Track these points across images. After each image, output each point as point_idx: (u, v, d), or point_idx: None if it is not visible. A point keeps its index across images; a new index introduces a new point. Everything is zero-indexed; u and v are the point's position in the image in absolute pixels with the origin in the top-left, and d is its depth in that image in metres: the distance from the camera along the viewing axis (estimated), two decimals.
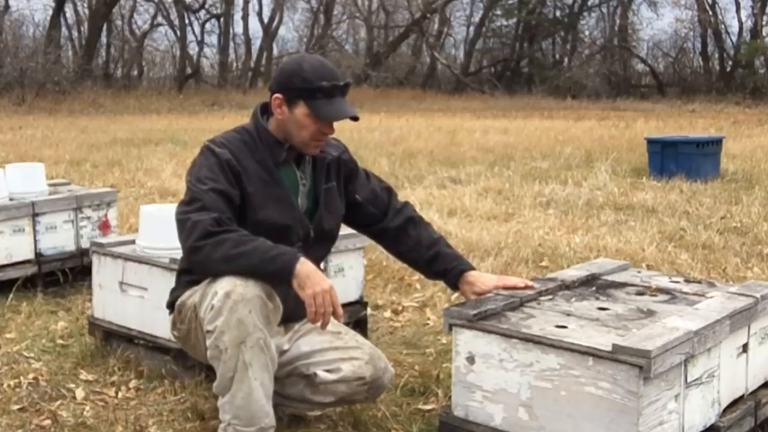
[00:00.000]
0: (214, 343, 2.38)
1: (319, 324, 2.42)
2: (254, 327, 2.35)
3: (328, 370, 2.62)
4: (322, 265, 3.01)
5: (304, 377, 2.66)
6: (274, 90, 2.59)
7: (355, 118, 2.60)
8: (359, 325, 3.66)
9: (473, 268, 2.80)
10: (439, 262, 2.78)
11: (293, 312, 2.56)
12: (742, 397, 2.57)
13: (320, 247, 2.74)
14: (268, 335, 2.40)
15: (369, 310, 3.93)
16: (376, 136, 13.97)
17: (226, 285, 2.36)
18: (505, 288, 2.66)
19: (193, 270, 2.56)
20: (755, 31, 32.32)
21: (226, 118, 18.43)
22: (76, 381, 3.25)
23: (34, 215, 4.57)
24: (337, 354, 2.65)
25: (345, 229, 3.01)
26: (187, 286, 2.61)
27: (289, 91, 2.55)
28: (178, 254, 2.66)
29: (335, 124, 2.61)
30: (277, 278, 2.39)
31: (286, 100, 2.56)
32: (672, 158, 9.08)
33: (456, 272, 2.76)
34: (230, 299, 2.34)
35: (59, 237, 4.67)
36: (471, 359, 2.44)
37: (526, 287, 2.67)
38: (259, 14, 36.74)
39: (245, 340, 2.35)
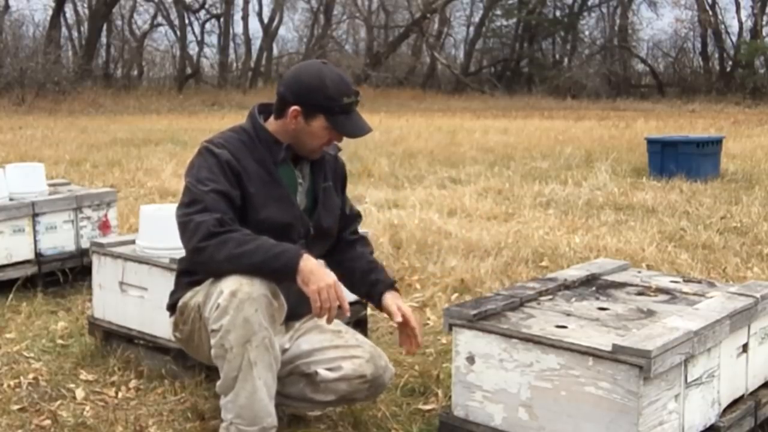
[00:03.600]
0: (220, 341, 2.38)
1: (325, 319, 2.43)
2: (260, 326, 2.36)
3: (328, 369, 2.62)
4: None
5: (304, 376, 2.66)
6: (290, 101, 2.58)
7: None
8: (359, 325, 3.66)
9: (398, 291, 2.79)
10: (376, 273, 2.76)
11: (294, 310, 2.56)
12: (742, 397, 2.57)
13: (320, 245, 2.75)
14: (272, 334, 2.40)
15: (369, 310, 3.93)
16: (376, 136, 13.93)
17: (231, 284, 2.37)
18: (405, 319, 2.64)
19: (197, 271, 2.57)
20: (755, 31, 32.34)
21: (226, 118, 18.42)
22: (76, 381, 3.25)
23: (34, 215, 4.57)
24: (337, 352, 2.65)
25: None
26: (187, 288, 2.61)
27: (308, 105, 2.56)
28: (178, 254, 2.67)
29: None
30: (280, 275, 2.39)
31: (304, 113, 2.57)
32: (672, 158, 9.08)
33: (389, 283, 2.74)
34: (236, 298, 2.35)
35: (59, 237, 4.67)
36: (471, 359, 2.44)
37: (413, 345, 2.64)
38: (259, 14, 36.80)
39: (251, 339, 2.36)
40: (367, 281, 2.75)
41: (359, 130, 2.61)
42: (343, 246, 2.84)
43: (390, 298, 2.68)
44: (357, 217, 2.96)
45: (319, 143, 2.62)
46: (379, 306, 2.71)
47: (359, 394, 2.67)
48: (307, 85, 2.57)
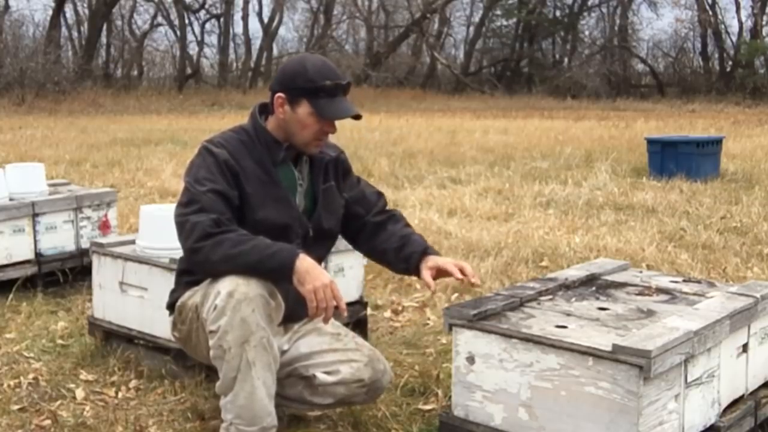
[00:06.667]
0: (218, 342, 2.38)
1: (321, 319, 2.42)
2: (257, 326, 2.36)
3: (327, 372, 2.62)
4: (322, 265, 3.01)
5: (303, 378, 2.66)
6: (275, 90, 2.59)
7: (357, 117, 2.60)
8: (359, 325, 3.66)
9: (438, 254, 2.70)
10: (408, 246, 2.69)
11: (293, 311, 2.56)
12: (742, 397, 2.57)
13: (320, 247, 2.74)
14: (270, 334, 2.40)
15: (369, 310, 3.93)
16: (376, 136, 13.97)
17: (228, 284, 2.36)
18: (457, 268, 2.57)
19: (194, 270, 2.57)
20: (755, 31, 32.33)
21: (226, 118, 18.43)
22: (76, 381, 3.25)
23: (34, 215, 4.57)
24: (336, 356, 2.65)
25: None
26: (187, 287, 2.61)
27: (292, 91, 2.56)
28: (178, 254, 2.67)
29: (336, 124, 2.62)
30: (277, 275, 2.39)
31: (289, 99, 2.57)
32: (672, 158, 9.08)
33: (420, 250, 2.66)
34: (233, 298, 2.34)
35: (59, 237, 4.67)
36: (471, 359, 2.44)
37: (467, 277, 2.57)
38: (259, 14, 36.81)
39: (249, 339, 2.36)
40: (402, 258, 2.68)
41: (342, 111, 2.57)
42: (371, 230, 2.78)
43: (425, 269, 2.60)
44: (379, 197, 2.86)
45: (310, 133, 2.58)
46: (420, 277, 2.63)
47: (357, 398, 2.68)
48: (289, 71, 2.60)
